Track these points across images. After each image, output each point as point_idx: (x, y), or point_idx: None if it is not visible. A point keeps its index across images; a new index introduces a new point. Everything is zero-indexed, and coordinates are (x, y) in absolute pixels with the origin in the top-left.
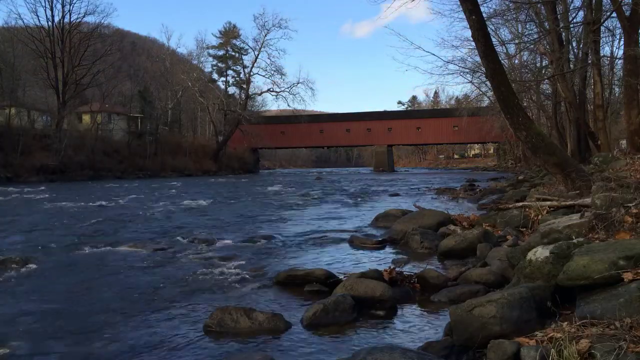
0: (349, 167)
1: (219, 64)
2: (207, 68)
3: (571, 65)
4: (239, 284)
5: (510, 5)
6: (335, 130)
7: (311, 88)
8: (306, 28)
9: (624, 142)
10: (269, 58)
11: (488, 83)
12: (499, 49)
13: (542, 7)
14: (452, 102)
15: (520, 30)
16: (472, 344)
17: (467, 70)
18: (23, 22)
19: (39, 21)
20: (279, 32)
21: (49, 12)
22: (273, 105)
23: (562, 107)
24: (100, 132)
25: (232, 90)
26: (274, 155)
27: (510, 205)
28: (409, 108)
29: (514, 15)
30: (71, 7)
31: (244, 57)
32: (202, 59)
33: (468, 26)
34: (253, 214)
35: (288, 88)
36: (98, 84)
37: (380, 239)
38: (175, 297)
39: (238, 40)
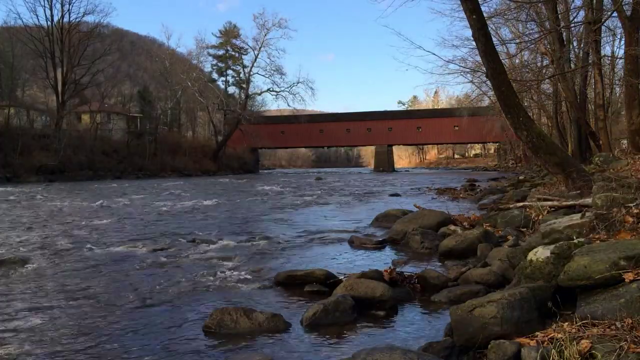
0: (349, 167)
1: (219, 64)
2: (207, 68)
3: (572, 65)
4: (238, 284)
5: (511, 4)
6: (335, 130)
7: (311, 87)
8: (306, 27)
9: (624, 142)
10: (268, 58)
11: (489, 83)
12: (499, 48)
13: (543, 7)
14: (453, 101)
15: (520, 29)
16: (473, 344)
17: (467, 69)
18: (22, 21)
19: (38, 21)
20: (279, 32)
21: (48, 12)
22: (273, 105)
23: (563, 106)
24: (100, 131)
25: (231, 90)
26: (273, 155)
27: (511, 206)
28: (410, 108)
29: (515, 15)
30: (70, 6)
31: (243, 56)
32: (202, 58)
33: (469, 25)
34: (253, 214)
35: (288, 88)
36: (97, 83)
37: (380, 239)
38: (175, 297)
39: (238, 39)
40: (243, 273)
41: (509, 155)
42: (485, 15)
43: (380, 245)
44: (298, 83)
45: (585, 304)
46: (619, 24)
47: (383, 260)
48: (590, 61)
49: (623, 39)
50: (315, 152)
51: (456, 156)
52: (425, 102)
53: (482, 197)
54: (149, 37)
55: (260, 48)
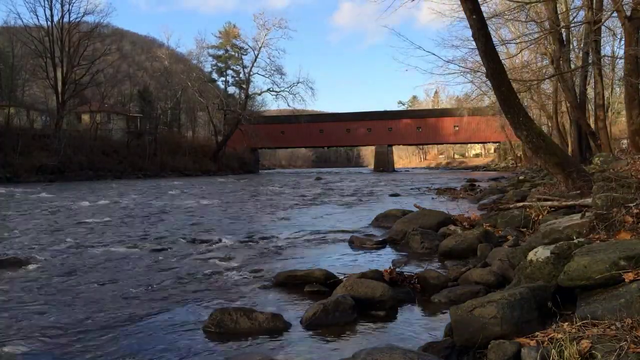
0: (349, 167)
1: (219, 64)
2: (207, 68)
3: (572, 65)
4: (238, 285)
5: (511, 4)
6: (335, 130)
7: (311, 88)
8: (306, 27)
9: (624, 142)
10: (268, 58)
11: (489, 83)
12: (499, 48)
13: (543, 7)
14: (453, 101)
15: (520, 29)
16: (473, 344)
17: (467, 70)
18: (22, 21)
19: (38, 21)
20: (279, 32)
21: (48, 12)
22: (273, 105)
23: (563, 106)
24: (100, 132)
25: (231, 90)
26: (273, 155)
27: (511, 206)
28: (410, 108)
29: (515, 15)
30: (70, 6)
31: (243, 56)
32: (202, 58)
33: (469, 26)
34: (253, 214)
35: (288, 88)
36: (97, 83)
37: (380, 239)
38: (175, 297)
39: (238, 40)
40: (243, 273)
41: (509, 155)
42: (485, 15)
43: (380, 245)
44: (298, 83)
45: (585, 304)
46: (619, 24)
47: (383, 260)
48: (590, 61)
49: (623, 39)
50: (315, 152)
51: (456, 156)
52: (425, 102)
53: (482, 197)
54: (149, 37)
55: (260, 48)
